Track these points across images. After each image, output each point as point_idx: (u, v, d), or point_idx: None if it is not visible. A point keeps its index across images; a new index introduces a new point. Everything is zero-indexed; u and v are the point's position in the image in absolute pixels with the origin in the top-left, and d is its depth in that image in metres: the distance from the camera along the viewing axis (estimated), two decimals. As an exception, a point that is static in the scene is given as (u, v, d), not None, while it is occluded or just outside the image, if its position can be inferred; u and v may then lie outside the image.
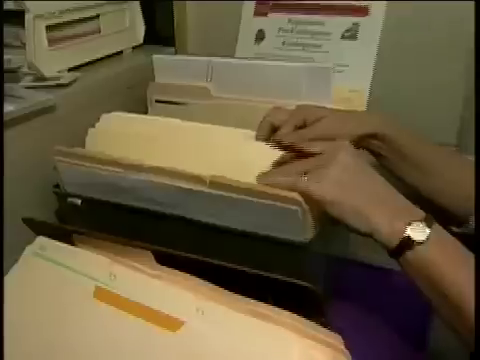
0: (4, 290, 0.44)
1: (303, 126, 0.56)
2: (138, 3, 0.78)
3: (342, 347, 0.38)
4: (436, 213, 0.61)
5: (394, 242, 0.43)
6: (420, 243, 0.43)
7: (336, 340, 0.38)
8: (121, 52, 0.76)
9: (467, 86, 0.72)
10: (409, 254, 0.43)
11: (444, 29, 0.70)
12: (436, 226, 0.44)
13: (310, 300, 0.42)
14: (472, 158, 0.65)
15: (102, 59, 0.72)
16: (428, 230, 0.43)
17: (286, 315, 0.39)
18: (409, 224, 0.43)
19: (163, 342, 0.38)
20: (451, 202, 0.64)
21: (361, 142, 0.58)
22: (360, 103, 0.69)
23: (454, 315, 0.42)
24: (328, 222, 0.47)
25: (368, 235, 0.45)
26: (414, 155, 0.61)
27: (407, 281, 0.46)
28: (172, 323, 0.39)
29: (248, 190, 0.45)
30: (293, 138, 0.52)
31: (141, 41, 0.80)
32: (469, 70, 0.72)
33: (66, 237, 0.47)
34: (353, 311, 0.58)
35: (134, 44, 0.79)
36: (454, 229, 0.66)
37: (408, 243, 0.43)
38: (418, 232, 0.43)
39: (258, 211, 0.46)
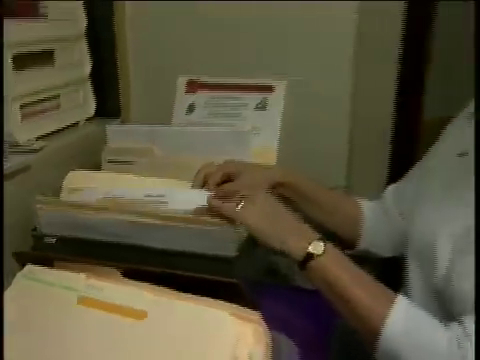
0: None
1: (229, 176, 0.74)
2: (89, 84, 0.95)
3: (260, 320, 0.54)
4: (334, 240, 0.81)
5: (300, 256, 0.61)
6: (318, 255, 0.60)
7: (256, 316, 0.54)
8: (77, 123, 0.92)
9: (350, 139, 0.96)
10: (311, 265, 0.60)
11: (329, 101, 0.94)
12: (329, 244, 0.62)
13: (237, 294, 0.58)
14: (358, 197, 0.86)
15: (63, 129, 0.88)
16: (323, 246, 0.61)
17: (220, 303, 0.55)
18: (310, 243, 0.61)
19: (134, 328, 0.53)
20: (344, 232, 0.83)
21: (273, 190, 0.76)
22: (271, 158, 0.89)
23: (345, 308, 0.60)
24: (253, 243, 0.65)
25: (282, 253, 0.62)
26: (314, 196, 0.81)
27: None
28: (139, 314, 0.53)
29: (189, 219, 0.62)
30: (223, 190, 0.70)
31: (92, 114, 0.96)
32: (351, 127, 0.95)
33: (47, 264, 0.61)
34: (276, 311, 0.74)
35: (87, 116, 0.95)
36: (347, 251, 0.85)
37: (310, 256, 0.60)
38: (316, 248, 0.61)
39: (197, 235, 0.62)
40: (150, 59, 1.03)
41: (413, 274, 0.70)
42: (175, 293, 0.56)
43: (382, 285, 0.61)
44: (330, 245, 0.62)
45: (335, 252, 0.62)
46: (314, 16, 0.93)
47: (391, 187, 0.82)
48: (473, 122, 0.69)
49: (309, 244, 0.61)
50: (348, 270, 0.61)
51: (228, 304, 0.55)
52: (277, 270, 0.86)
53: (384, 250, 0.82)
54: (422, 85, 1.05)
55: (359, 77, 0.95)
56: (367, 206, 0.84)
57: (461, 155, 0.70)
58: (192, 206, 0.66)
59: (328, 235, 0.76)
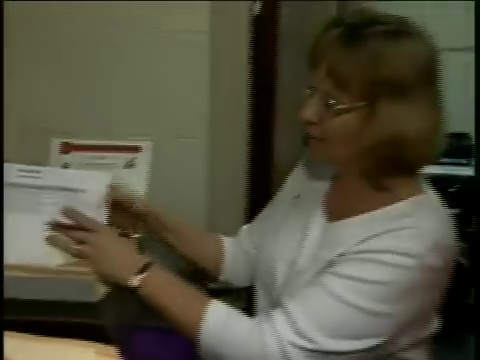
0: None
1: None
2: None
3: (115, 353, 0.63)
4: (199, 274, 0.92)
5: (130, 284, 0.73)
6: (142, 285, 0.72)
7: (112, 351, 0.63)
8: None
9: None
10: (138, 292, 0.73)
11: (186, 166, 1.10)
12: (154, 269, 0.74)
13: (104, 336, 0.67)
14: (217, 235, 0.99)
15: None
16: (145, 274, 0.73)
17: (85, 343, 0.63)
18: (137, 272, 0.73)
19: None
20: (206, 264, 0.96)
21: (137, 219, 0.88)
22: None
23: (172, 320, 0.73)
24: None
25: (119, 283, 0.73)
26: (176, 228, 0.92)
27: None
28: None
29: (56, 271, 0.70)
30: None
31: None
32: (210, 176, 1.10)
33: None
34: (144, 349, 0.84)
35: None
36: (210, 285, 0.97)
37: (136, 284, 0.72)
38: (138, 279, 0.73)
39: (63, 284, 0.71)
40: (26, 120, 1.10)
41: (260, 293, 0.86)
42: (41, 338, 0.63)
43: (199, 293, 0.75)
44: (155, 269, 0.74)
45: (159, 276, 0.75)
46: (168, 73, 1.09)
47: (245, 226, 0.99)
48: (306, 170, 0.89)
49: (134, 275, 0.73)
50: (169, 288, 0.75)
51: (92, 343, 0.64)
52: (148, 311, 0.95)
53: (242, 280, 0.97)
54: (272, 87, 1.21)
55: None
56: (227, 241, 0.98)
57: (296, 197, 0.88)
58: (63, 183, 0.81)
59: (193, 270, 0.91)
